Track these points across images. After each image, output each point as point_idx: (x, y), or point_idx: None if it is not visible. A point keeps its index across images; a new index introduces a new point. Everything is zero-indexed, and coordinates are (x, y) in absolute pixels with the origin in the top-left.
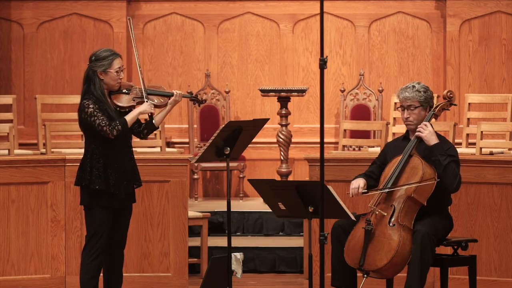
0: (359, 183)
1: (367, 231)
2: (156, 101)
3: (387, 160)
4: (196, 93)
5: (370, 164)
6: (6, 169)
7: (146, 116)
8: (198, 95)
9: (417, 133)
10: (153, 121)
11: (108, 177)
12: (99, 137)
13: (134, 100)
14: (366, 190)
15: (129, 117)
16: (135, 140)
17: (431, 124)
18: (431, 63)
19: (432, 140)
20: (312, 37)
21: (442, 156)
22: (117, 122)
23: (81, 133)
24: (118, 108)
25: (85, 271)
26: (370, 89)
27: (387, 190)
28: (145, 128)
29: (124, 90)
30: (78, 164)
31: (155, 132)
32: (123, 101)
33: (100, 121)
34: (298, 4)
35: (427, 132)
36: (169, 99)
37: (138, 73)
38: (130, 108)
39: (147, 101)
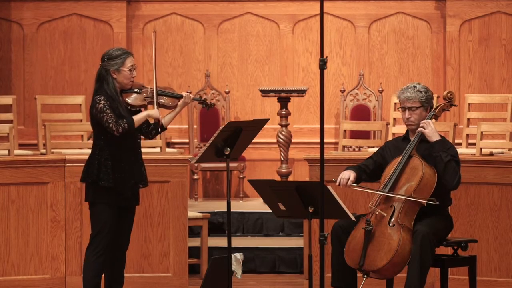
0: (349, 175)
1: (367, 232)
2: (166, 101)
3: (385, 159)
4: (196, 93)
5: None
6: (6, 170)
7: (153, 120)
8: (207, 99)
9: (419, 129)
10: (162, 122)
11: (116, 175)
12: (108, 134)
13: (145, 100)
14: (355, 185)
15: (137, 118)
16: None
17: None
18: (431, 64)
19: (435, 137)
20: (312, 37)
21: (444, 152)
22: (124, 120)
23: (81, 133)
24: (129, 107)
25: (89, 270)
26: (370, 89)
27: (380, 192)
28: (154, 129)
29: (135, 90)
30: (78, 164)
31: None
32: (134, 100)
33: (108, 117)
34: (298, 5)
35: (430, 129)
36: (179, 100)
37: (153, 73)
38: (141, 107)
39: (157, 107)
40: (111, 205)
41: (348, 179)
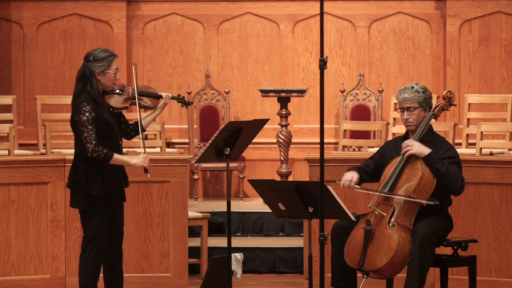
0: (352, 176)
1: (366, 231)
2: (147, 103)
3: (385, 159)
4: (196, 93)
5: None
6: (6, 170)
7: (140, 166)
8: (185, 97)
9: (407, 153)
10: (142, 123)
11: (104, 182)
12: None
13: (126, 101)
14: (358, 186)
15: (118, 157)
16: (134, 140)
17: (431, 125)
18: (431, 64)
19: (425, 151)
20: (312, 37)
21: (438, 164)
22: (104, 151)
23: None
24: (111, 109)
25: (85, 273)
26: (370, 89)
27: (380, 193)
28: (133, 130)
29: (117, 91)
30: None
31: (155, 132)
32: (116, 102)
33: (88, 135)
34: (298, 5)
35: (416, 147)
36: (159, 101)
37: (133, 76)
38: (123, 109)
39: (144, 154)
40: (101, 211)
41: (351, 180)
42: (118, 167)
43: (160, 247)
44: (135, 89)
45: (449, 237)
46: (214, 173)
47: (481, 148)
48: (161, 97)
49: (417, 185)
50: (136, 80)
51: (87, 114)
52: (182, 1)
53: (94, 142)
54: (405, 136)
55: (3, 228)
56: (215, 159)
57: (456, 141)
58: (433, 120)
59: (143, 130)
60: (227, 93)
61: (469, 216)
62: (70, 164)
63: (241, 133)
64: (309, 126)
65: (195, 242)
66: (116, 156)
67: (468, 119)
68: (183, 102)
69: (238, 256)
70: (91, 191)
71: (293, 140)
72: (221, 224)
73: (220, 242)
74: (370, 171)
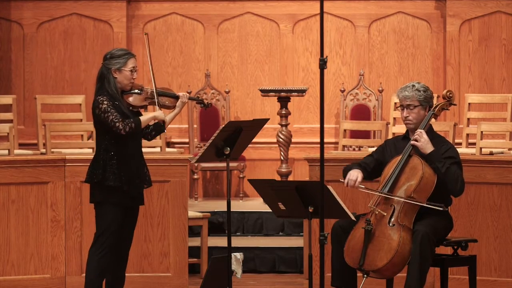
0: (357, 176)
1: (367, 231)
2: (166, 102)
3: (385, 158)
4: (196, 93)
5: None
6: (6, 169)
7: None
8: (205, 99)
9: (412, 142)
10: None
11: (121, 174)
12: (112, 134)
13: (146, 100)
14: (363, 186)
15: (144, 118)
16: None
17: (431, 124)
18: (431, 63)
19: (428, 149)
20: (312, 37)
21: (440, 163)
22: (131, 120)
23: (81, 133)
24: (130, 108)
25: (93, 269)
26: (370, 89)
27: (384, 195)
28: (153, 130)
29: (136, 90)
30: (78, 164)
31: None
32: (135, 100)
33: (113, 117)
34: (298, 4)
35: (423, 141)
36: (177, 101)
37: (151, 75)
38: (142, 108)
39: (159, 108)
40: (117, 204)
41: (356, 180)
42: (137, 163)
43: (160, 247)
44: (149, 61)
45: (449, 237)
46: (214, 173)
47: (481, 148)
48: (178, 97)
49: (417, 185)
50: (149, 49)
51: (105, 102)
52: (182, 0)
53: (121, 119)
54: (406, 136)
55: (3, 228)
56: (215, 159)
57: (456, 140)
58: (433, 120)
59: (164, 130)
60: (227, 92)
61: (469, 216)
62: (70, 164)
63: (241, 133)
64: (309, 126)
65: (195, 242)
66: (142, 119)
67: (468, 119)
68: (202, 103)
69: (238, 256)
70: (107, 181)
71: (293, 140)
72: (221, 224)
73: (220, 242)
74: (370, 169)
